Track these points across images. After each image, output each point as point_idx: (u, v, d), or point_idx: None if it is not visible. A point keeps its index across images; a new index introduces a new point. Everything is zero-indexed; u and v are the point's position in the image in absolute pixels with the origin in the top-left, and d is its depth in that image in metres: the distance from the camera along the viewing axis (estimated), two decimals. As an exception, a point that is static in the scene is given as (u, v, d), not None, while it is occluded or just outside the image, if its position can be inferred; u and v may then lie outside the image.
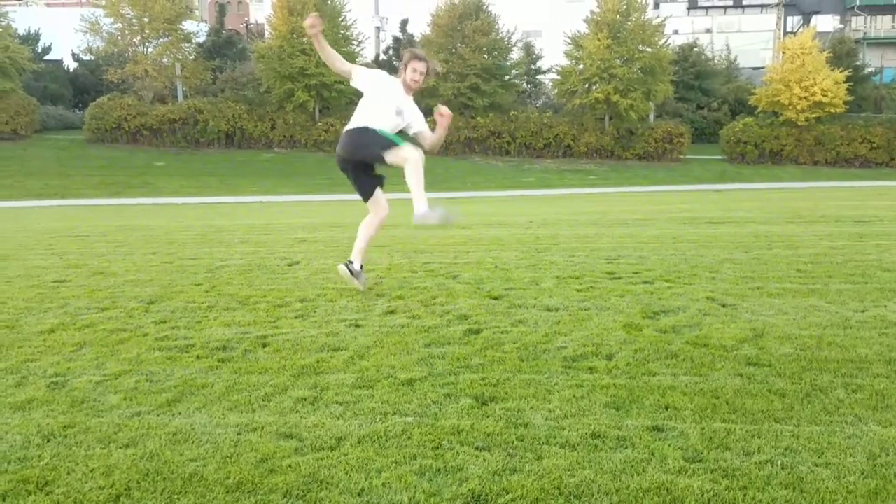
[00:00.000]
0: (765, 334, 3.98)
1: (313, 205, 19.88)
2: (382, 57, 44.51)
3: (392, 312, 4.67)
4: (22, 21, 38.56)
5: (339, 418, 2.91)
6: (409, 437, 2.70)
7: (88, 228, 10.98)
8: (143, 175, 28.45)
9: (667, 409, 2.95)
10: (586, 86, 33.87)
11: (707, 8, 57.10)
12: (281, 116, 33.57)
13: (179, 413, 2.98)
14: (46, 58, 40.16)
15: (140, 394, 3.20)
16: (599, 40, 32.80)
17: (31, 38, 39.69)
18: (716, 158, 35.48)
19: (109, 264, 6.75)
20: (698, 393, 3.11)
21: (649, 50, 33.60)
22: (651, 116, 35.76)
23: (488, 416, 2.90)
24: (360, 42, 35.72)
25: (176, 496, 2.31)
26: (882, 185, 26.28)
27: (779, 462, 2.48)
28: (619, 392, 3.13)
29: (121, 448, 2.64)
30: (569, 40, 34.93)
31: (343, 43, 33.85)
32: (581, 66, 34.00)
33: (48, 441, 2.70)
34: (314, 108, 33.74)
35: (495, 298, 5.03)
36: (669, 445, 2.61)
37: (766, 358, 3.56)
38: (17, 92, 32.32)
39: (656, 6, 51.99)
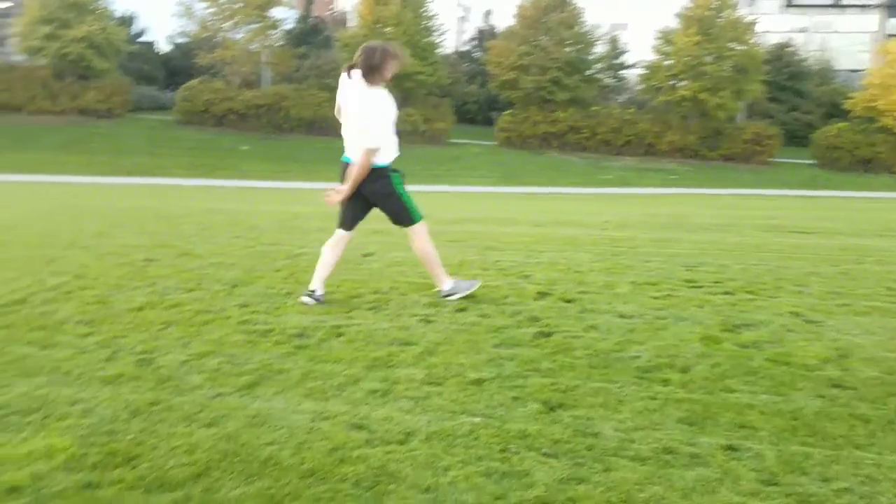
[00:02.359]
0: (850, 355, 3.82)
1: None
2: (464, 48, 44.56)
3: (463, 310, 4.70)
4: (120, 3, 40.39)
5: (408, 413, 2.96)
6: (476, 438, 2.72)
7: (176, 209, 11.46)
8: (228, 158, 29.43)
9: (743, 427, 2.87)
10: (673, 82, 33.01)
11: (804, 6, 54.64)
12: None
13: (258, 396, 3.09)
14: (140, 40, 41.95)
15: (222, 375, 3.33)
16: (689, 36, 31.87)
17: (127, 20, 41.48)
18: (806, 163, 34.04)
19: (195, 246, 7.04)
20: (777, 413, 3.01)
21: (741, 47, 32.46)
22: (740, 116, 34.57)
23: (556, 423, 2.89)
24: (441, 33, 35.83)
25: (253, 478, 2.39)
26: None
27: (858, 491, 2.39)
28: (693, 407, 3.07)
29: (203, 427, 2.75)
30: (657, 34, 34.09)
31: (423, 34, 34.07)
32: (669, 62, 33.14)
33: (135, 416, 2.85)
34: (395, 97, 34.08)
35: (567, 301, 4.99)
36: (744, 466, 2.55)
37: (849, 380, 3.42)
38: (112, 72, 33.90)
39: (751, 2, 50.08)
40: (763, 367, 3.58)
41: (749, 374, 3.50)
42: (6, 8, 40.18)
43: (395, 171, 4.79)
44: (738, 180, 30.13)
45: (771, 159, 33.61)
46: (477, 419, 2.90)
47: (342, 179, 4.76)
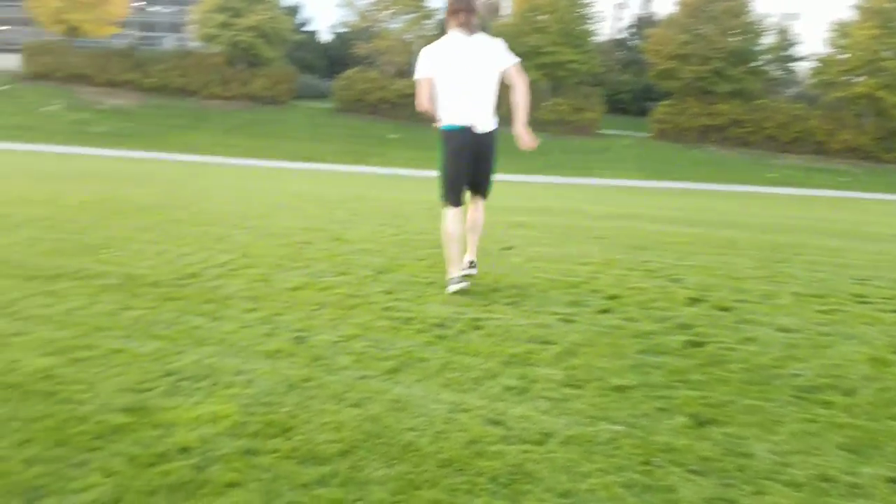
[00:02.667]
0: None
1: (530, 185, 20.05)
2: (620, 36, 43.34)
3: (606, 311, 4.59)
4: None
5: (545, 413, 2.93)
6: (617, 447, 2.66)
7: (330, 195, 12.04)
8: (378, 145, 30.54)
9: (914, 462, 2.61)
10: (847, 77, 30.40)
11: None
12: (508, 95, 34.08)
13: (399, 382, 3.18)
14: (304, 29, 44.28)
15: (367, 358, 3.47)
16: (867, 29, 29.16)
17: (293, 10, 43.90)
18: None
19: (346, 231, 7.37)
20: (959, 451, 2.71)
21: (930, 40, 29.26)
22: (925, 115, 31.23)
23: (705, 439, 2.76)
24: (597, 21, 35.04)
25: (394, 461, 2.48)
26: None
27: None
28: (856, 434, 2.82)
29: (349, 407, 2.88)
30: (832, 26, 31.48)
31: (578, 22, 33.47)
32: (843, 56, 30.53)
33: (291, 390, 3.03)
34: (545, 88, 33.85)
35: (722, 310, 4.73)
36: (912, 505, 2.31)
37: None
38: (279, 60, 36.12)
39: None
40: (942, 398, 3.23)
41: (925, 404, 3.17)
42: None
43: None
44: (920, 185, 27.27)
45: (962, 163, 30.16)
46: (619, 427, 2.82)
47: (463, 149, 4.64)
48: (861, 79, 30.05)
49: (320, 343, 3.65)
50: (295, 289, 4.75)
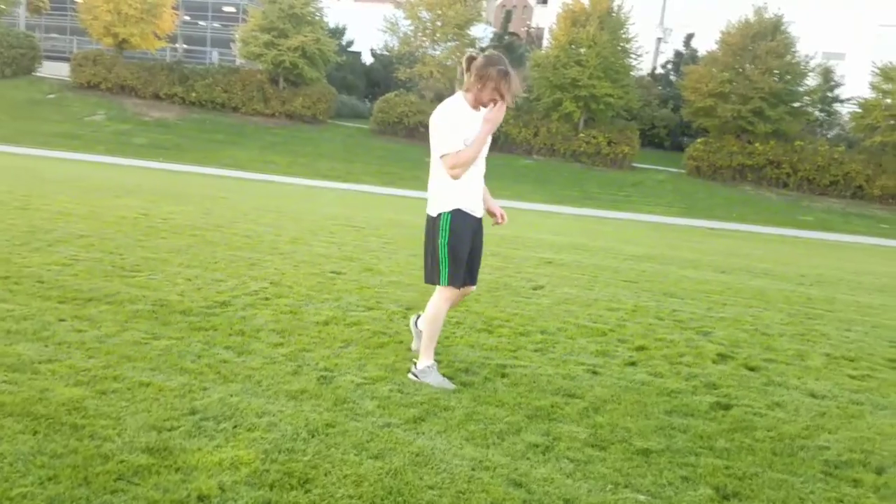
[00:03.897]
0: None
1: (562, 217, 19.99)
2: (659, 71, 43.26)
3: (633, 364, 4.55)
4: (333, 15, 43.22)
5: (568, 477, 2.90)
6: (639, 519, 2.62)
7: (363, 219, 12.13)
8: (414, 169, 30.70)
9: (949, 558, 2.53)
10: (891, 122, 29.89)
11: None
12: (545, 124, 34.21)
13: (423, 433, 3.18)
14: (347, 50, 44.88)
15: (392, 404, 3.47)
16: (915, 73, 28.72)
17: (338, 32, 44.59)
18: None
19: (378, 262, 7.42)
20: None
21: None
22: (970, 164, 30.54)
23: (728, 515, 2.71)
24: (638, 56, 35.01)
25: (412, 522, 2.47)
26: None
27: None
28: (888, 521, 2.75)
29: (371, 458, 2.88)
30: (877, 70, 31.05)
31: (620, 56, 33.48)
32: (888, 101, 30.06)
33: (313, 437, 3.04)
34: (579, 119, 33.86)
35: (751, 369, 4.66)
36: None
37: None
38: (320, 81, 36.65)
39: None
40: (980, 485, 3.12)
41: (961, 490, 3.07)
42: (232, 13, 44.76)
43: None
44: (963, 236, 26.60)
45: None
46: (642, 497, 2.78)
47: (473, 234, 3.90)
48: (904, 124, 29.56)
49: (345, 384, 3.67)
50: (324, 323, 4.79)
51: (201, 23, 46.67)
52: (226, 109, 36.27)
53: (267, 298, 5.30)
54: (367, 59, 47.19)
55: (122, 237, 7.40)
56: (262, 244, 7.90)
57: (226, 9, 46.14)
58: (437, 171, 3.84)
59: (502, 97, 3.64)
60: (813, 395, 4.20)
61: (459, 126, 3.70)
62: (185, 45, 45.29)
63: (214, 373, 3.65)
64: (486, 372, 4.11)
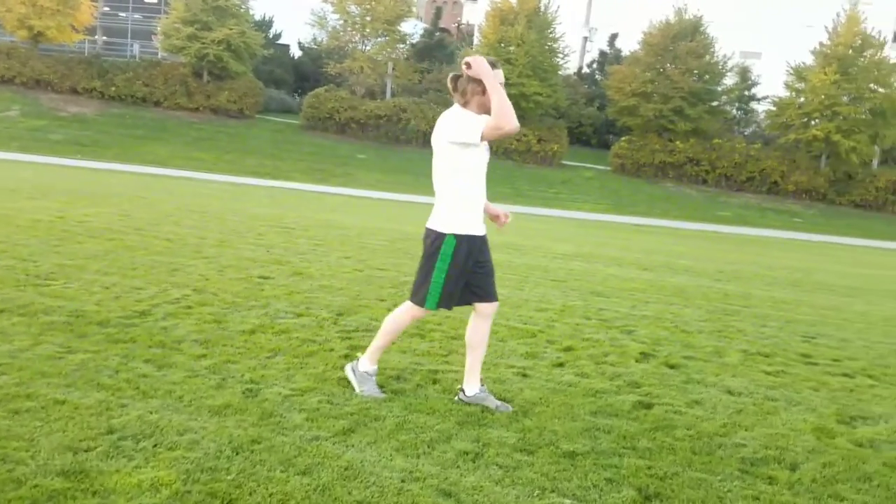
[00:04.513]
0: None
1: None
2: (585, 70, 44.14)
3: (561, 365, 4.63)
4: (259, 6, 42.06)
5: (497, 484, 2.93)
6: (565, 525, 2.67)
7: (293, 219, 11.94)
8: (345, 165, 30.43)
9: (853, 549, 2.67)
10: (805, 120, 31.41)
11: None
12: (478, 122, 34.37)
13: (352, 445, 3.15)
14: (275, 43, 43.96)
15: (321, 416, 3.42)
16: (826, 74, 30.25)
17: (264, 24, 43.60)
18: (949, 216, 31.43)
19: (308, 265, 7.31)
20: (894, 536, 2.78)
21: (882, 90, 30.49)
22: (875, 162, 32.42)
23: (650, 516, 2.79)
24: (565, 55, 35.64)
25: (339, 538, 2.44)
26: None
27: None
28: (799, 516, 2.88)
29: (298, 474, 2.83)
30: (791, 70, 32.55)
31: (549, 55, 34.02)
32: (801, 100, 31.57)
33: (237, 454, 2.96)
34: (511, 117, 34.21)
35: (671, 367, 4.81)
36: None
37: (983, 505, 3.11)
38: (247, 75, 35.83)
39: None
40: (879, 474, 3.32)
41: (863, 479, 3.25)
42: (153, 4, 43.30)
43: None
44: (868, 230, 28.21)
45: (908, 209, 31.32)
46: (568, 501, 2.84)
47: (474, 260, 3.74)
48: (817, 122, 31.07)
49: (272, 397, 3.60)
50: (250, 332, 4.69)
51: (122, 14, 44.92)
52: (147, 104, 35.05)
53: (189, 307, 5.15)
54: (296, 53, 46.42)
55: (36, 242, 7.06)
56: (185, 248, 7.67)
57: (147, 0, 44.56)
58: (454, 187, 3.60)
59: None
60: (730, 392, 4.37)
61: (474, 116, 3.50)
62: (104, 38, 43.49)
63: (133, 388, 3.52)
64: (417, 378, 4.11)
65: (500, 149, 34.25)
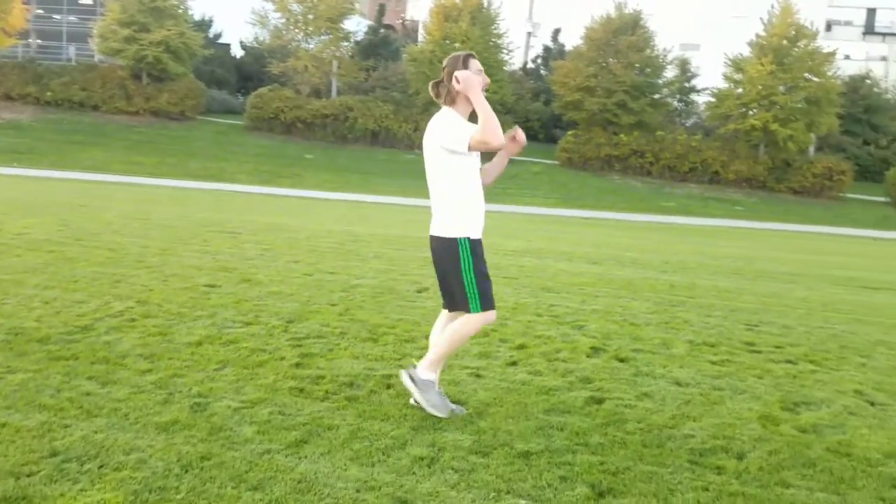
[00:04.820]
0: (918, 450, 3.63)
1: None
2: (530, 65, 44.52)
3: (514, 364, 4.66)
4: (198, 7, 41.24)
5: (453, 488, 2.93)
6: (521, 526, 2.68)
7: (240, 223, 11.74)
8: (292, 166, 30.06)
9: (799, 534, 2.76)
10: (743, 111, 32.31)
11: (884, 34, 52.82)
12: (425, 119, 34.17)
13: (305, 457, 3.11)
14: (216, 42, 43.10)
15: (272, 428, 3.37)
16: (763, 65, 31.17)
17: (204, 25, 42.75)
18: (879, 200, 32.78)
19: (257, 271, 7.19)
20: (835, 519, 2.88)
21: (816, 79, 31.60)
22: (811, 149, 33.56)
23: (604, 513, 2.83)
24: (510, 51, 35.88)
25: (294, 554, 2.41)
26: None
27: None
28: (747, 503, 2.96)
29: (250, 490, 2.78)
30: (728, 62, 33.42)
31: (493, 51, 34.19)
32: (739, 90, 32.45)
33: (186, 472, 2.90)
34: (458, 114, 34.29)
35: (621, 361, 4.89)
36: (798, 584, 2.44)
37: (916, 483, 3.24)
38: (187, 76, 35.08)
39: (828, 28, 48.70)
40: (822, 459, 3.43)
41: (807, 465, 3.36)
42: (89, 6, 41.97)
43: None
44: (806, 215, 29.21)
45: (842, 195, 32.51)
46: (523, 502, 2.86)
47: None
48: (755, 112, 31.97)
49: (221, 411, 3.53)
50: (197, 343, 4.58)
51: (56, 17, 43.36)
52: (85, 108, 34.00)
53: (133, 319, 5.01)
54: (238, 53, 45.61)
55: (-33, 257, 6.78)
56: (128, 258, 7.46)
57: (82, 1, 43.15)
58: (445, 189, 3.62)
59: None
60: (678, 383, 4.47)
61: (463, 123, 3.55)
62: (38, 41, 41.94)
63: (76, 408, 3.41)
64: (371, 384, 4.08)
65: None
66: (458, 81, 3.54)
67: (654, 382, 4.46)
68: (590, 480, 3.07)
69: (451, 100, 3.61)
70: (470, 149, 3.51)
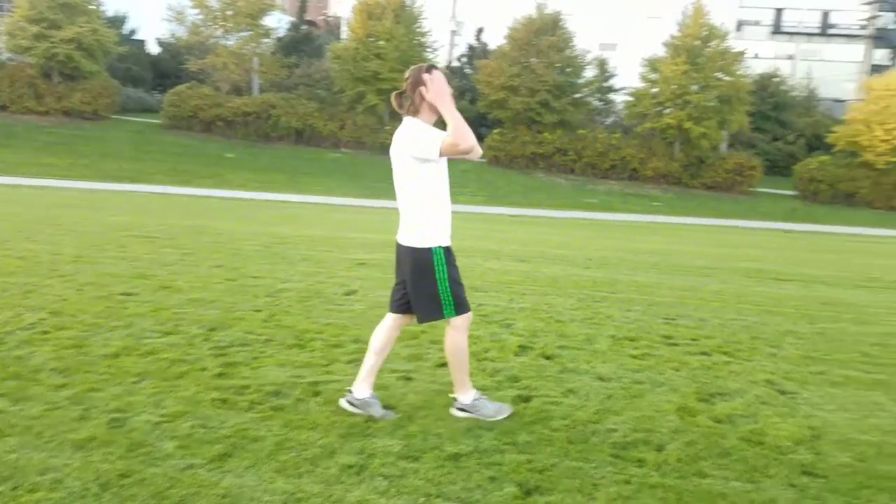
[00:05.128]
0: (822, 435, 3.85)
1: (374, 212, 20.13)
2: (455, 64, 44.74)
3: (443, 366, 4.68)
4: (111, 2, 39.62)
5: (382, 495, 2.93)
6: (450, 530, 2.71)
7: (158, 227, 11.36)
8: (213, 166, 29.26)
9: (715, 522, 2.88)
10: (659, 109, 33.38)
11: (791, 34, 55.68)
12: (350, 117, 34.11)
13: (230, 471, 3.05)
14: (131, 39, 41.55)
15: (194, 442, 3.29)
16: (676, 65, 32.29)
17: (118, 21, 41.12)
18: (787, 194, 34.48)
19: (176, 277, 6.98)
20: (749, 505, 3.03)
21: (727, 78, 32.93)
22: (723, 146, 34.99)
23: (534, 512, 2.88)
24: (434, 50, 35.96)
25: (220, 572, 2.36)
26: (964, 240, 25.07)
27: None
28: (667, 495, 3.07)
29: (172, 508, 2.72)
30: (644, 62, 34.48)
31: (418, 49, 34.20)
32: (655, 90, 33.52)
33: (105, 490, 2.80)
34: (384, 112, 34.18)
35: (547, 358, 4.99)
36: (714, 571, 2.55)
37: (821, 467, 3.44)
38: (101, 74, 33.67)
39: (738, 28, 50.93)
40: (736, 448, 3.60)
41: (722, 455, 3.51)
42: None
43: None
44: (719, 210, 30.45)
45: (753, 189, 34.04)
46: (452, 505, 2.88)
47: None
48: (670, 111, 33.09)
49: (141, 426, 3.42)
50: (114, 355, 4.42)
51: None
52: (-9, 108, 32.15)
53: (46, 332, 4.79)
54: (154, 49, 44.05)
55: None
56: (39, 266, 7.11)
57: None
58: (415, 198, 3.65)
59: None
60: (601, 379, 4.59)
61: (430, 129, 3.58)
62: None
63: (-16, 429, 3.24)
64: (297, 392, 4.02)
65: (376, 144, 34.15)
66: (427, 90, 3.57)
67: (579, 378, 4.57)
68: (517, 479, 3.13)
69: (415, 110, 3.65)
70: (441, 154, 3.55)
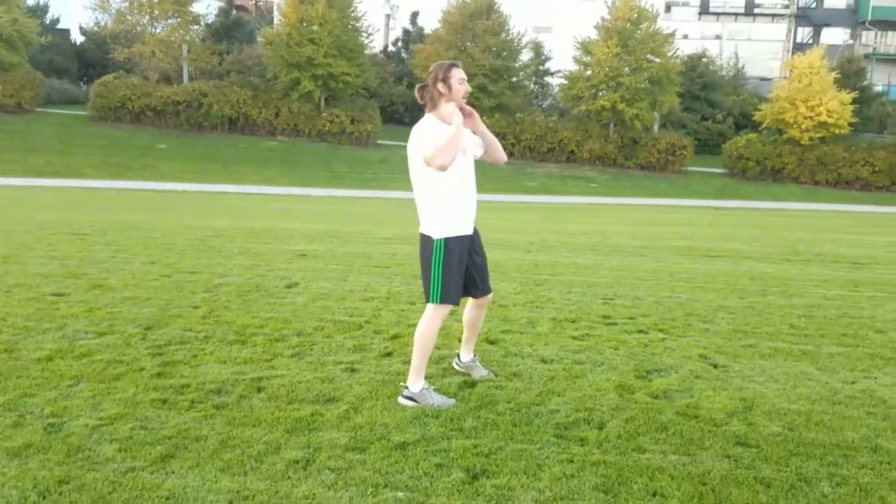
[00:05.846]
0: (754, 406, 4.02)
1: (313, 201, 19.89)
2: (391, 48, 44.42)
3: (389, 355, 4.71)
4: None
5: (330, 488, 2.94)
6: (399, 518, 2.74)
7: (88, 223, 10.98)
8: (144, 157, 28.40)
9: (654, 495, 2.99)
10: (593, 92, 33.91)
11: (718, 14, 57.26)
12: (286, 104, 33.52)
13: (172, 472, 3.00)
14: (54, 28, 39.89)
15: (135, 444, 3.23)
16: (609, 48, 32.82)
17: (39, 10, 39.45)
18: (717, 172, 35.58)
19: (109, 275, 6.78)
20: (686, 477, 3.15)
21: (658, 60, 33.66)
22: (656, 126, 35.81)
23: (479, 495, 2.93)
24: (369, 35, 35.60)
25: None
26: (881, 212, 26.39)
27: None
28: (608, 472, 3.17)
29: (114, 513, 2.67)
30: (578, 45, 34.92)
31: (353, 34, 33.80)
32: (589, 73, 34.02)
33: (44, 498, 2.73)
34: (319, 98, 33.71)
35: (491, 343, 5.06)
36: (654, 542, 2.65)
37: (754, 437, 3.60)
38: (23, 65, 32.24)
39: (668, 9, 52.07)
40: (673, 423, 3.73)
41: (660, 430, 3.64)
42: None
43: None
44: (653, 189, 31.22)
45: (684, 168, 34.99)
46: (400, 494, 2.91)
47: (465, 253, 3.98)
48: (604, 93, 33.66)
49: (78, 430, 3.34)
50: (47, 359, 4.28)
51: None
52: None
53: (-28, 338, 4.60)
54: (78, 39, 42.34)
55: None
56: (-39, 269, 6.82)
57: None
58: (425, 190, 3.85)
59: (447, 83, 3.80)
60: (543, 361, 4.69)
61: (436, 134, 3.74)
62: None
63: None
64: (240, 389, 3.98)
65: (313, 131, 33.69)
66: (444, 90, 3.81)
67: (522, 362, 4.65)
68: (464, 465, 3.18)
69: (434, 105, 3.85)
70: (424, 162, 3.71)
